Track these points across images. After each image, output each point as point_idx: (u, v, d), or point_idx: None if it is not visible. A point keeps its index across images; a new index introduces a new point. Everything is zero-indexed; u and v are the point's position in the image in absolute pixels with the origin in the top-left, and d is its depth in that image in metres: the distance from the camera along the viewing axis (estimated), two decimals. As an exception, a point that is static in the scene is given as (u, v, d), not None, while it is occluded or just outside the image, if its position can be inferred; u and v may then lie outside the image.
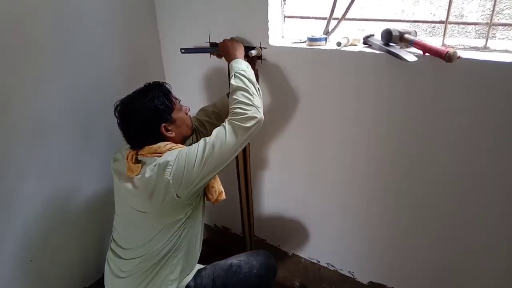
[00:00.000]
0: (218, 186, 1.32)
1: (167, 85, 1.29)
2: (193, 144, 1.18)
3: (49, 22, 1.35)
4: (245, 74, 1.25)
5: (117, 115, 1.23)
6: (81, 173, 1.59)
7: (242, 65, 1.28)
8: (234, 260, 1.40)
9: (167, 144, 1.21)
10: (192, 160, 1.13)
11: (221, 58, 1.48)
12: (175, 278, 1.26)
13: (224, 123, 1.19)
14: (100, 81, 1.57)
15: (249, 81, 1.24)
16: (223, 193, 1.32)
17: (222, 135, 1.16)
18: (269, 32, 1.43)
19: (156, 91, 1.24)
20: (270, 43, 1.45)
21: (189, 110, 1.36)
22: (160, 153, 1.19)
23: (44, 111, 1.40)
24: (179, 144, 1.26)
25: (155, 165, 1.15)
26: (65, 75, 1.44)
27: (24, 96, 1.33)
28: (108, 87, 1.59)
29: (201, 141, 1.17)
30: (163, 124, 1.22)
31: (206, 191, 1.30)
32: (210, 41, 1.61)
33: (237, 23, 1.50)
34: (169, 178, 1.12)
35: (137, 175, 1.18)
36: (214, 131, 1.18)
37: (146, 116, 1.20)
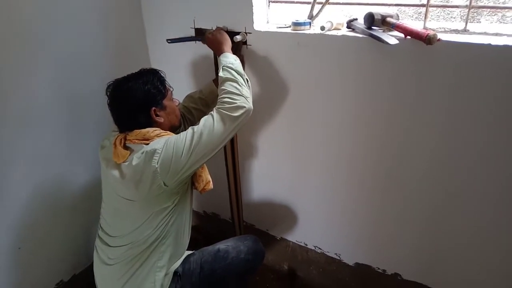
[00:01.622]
0: (206, 176, 1.32)
1: (162, 73, 1.30)
2: (181, 133, 1.18)
3: (33, 9, 1.32)
4: (232, 66, 1.25)
5: (108, 94, 1.23)
6: (69, 161, 1.59)
7: (230, 59, 1.28)
8: (221, 245, 1.41)
9: (155, 130, 1.21)
10: (180, 148, 1.13)
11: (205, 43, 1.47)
12: (164, 265, 1.26)
13: (212, 112, 1.19)
14: (85, 68, 1.55)
15: (237, 73, 1.24)
16: (211, 182, 1.33)
17: (210, 124, 1.16)
18: (253, 17, 1.42)
19: (151, 76, 1.25)
20: (255, 28, 1.44)
21: (178, 103, 1.37)
22: (148, 140, 1.18)
23: (30, 99, 1.38)
24: (168, 132, 1.26)
25: (142, 153, 1.15)
26: (50, 63, 1.42)
27: (10, 84, 1.31)
28: (94, 75, 1.57)
29: (189, 130, 1.17)
30: (153, 108, 1.22)
31: (193, 180, 1.30)
32: (195, 27, 1.59)
33: (222, 8, 1.48)
34: (156, 166, 1.12)
35: (124, 162, 1.18)
36: (202, 120, 1.18)
37: (138, 96, 1.20)
